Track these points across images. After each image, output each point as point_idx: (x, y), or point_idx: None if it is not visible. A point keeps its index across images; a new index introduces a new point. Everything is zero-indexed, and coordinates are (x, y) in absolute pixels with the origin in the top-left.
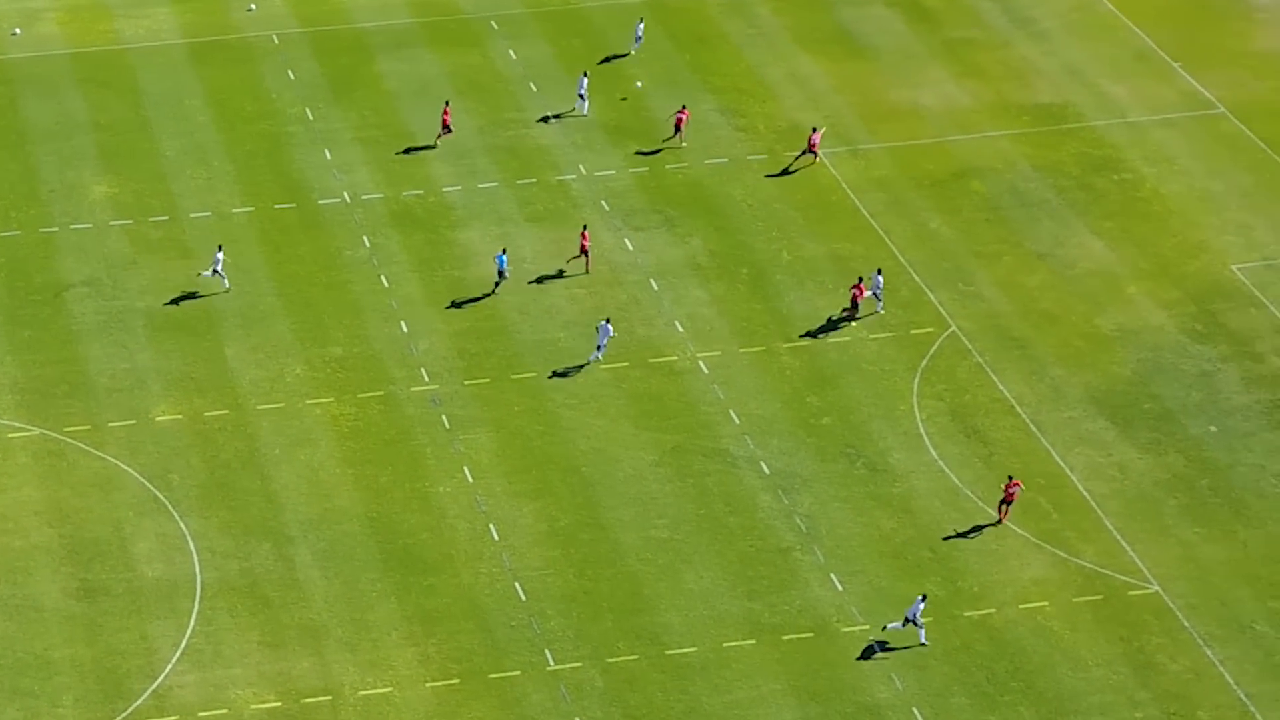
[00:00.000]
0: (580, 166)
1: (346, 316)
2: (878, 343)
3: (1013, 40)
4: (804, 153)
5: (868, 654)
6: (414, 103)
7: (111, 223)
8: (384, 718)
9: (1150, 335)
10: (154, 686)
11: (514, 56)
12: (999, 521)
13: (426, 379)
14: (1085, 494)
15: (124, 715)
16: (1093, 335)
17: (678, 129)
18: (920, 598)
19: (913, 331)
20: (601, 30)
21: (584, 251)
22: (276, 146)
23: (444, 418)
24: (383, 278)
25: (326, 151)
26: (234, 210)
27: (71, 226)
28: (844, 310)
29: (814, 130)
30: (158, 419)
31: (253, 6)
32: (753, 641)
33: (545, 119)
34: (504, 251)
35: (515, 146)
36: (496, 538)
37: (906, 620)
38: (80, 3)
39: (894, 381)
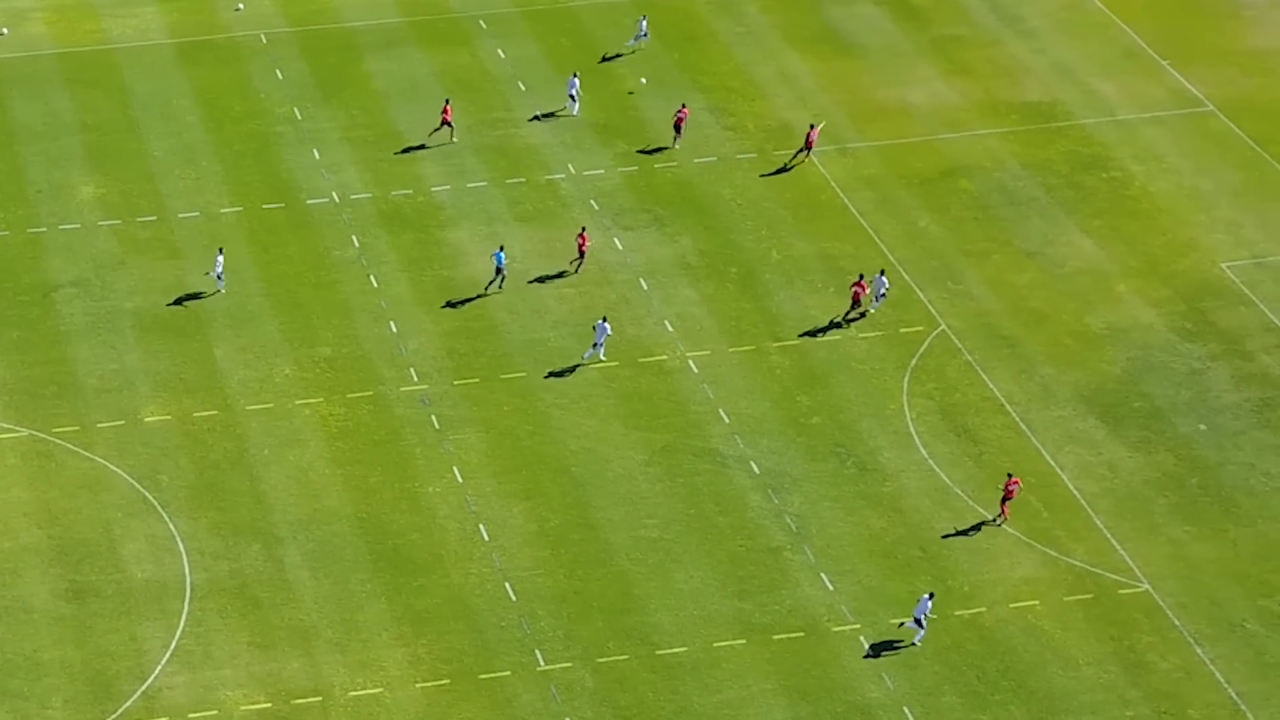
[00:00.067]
0: (569, 166)
1: (335, 316)
2: (867, 342)
3: (1001, 38)
4: (802, 149)
5: (873, 652)
6: (403, 102)
7: (100, 223)
8: (374, 718)
9: (1140, 333)
10: (144, 688)
11: (503, 55)
12: (999, 519)
13: (416, 379)
14: (1075, 493)
15: (114, 717)
16: (1082, 334)
17: (678, 128)
18: (927, 596)
19: (902, 330)
20: (590, 29)
21: (581, 252)
22: (265, 146)
23: (433, 418)
24: (372, 277)
25: (315, 151)
26: (222, 210)
27: (59, 227)
28: (848, 312)
29: (811, 127)
30: (147, 420)
31: (240, 6)
32: (743, 641)
33: (535, 118)
34: (501, 249)
35: (504, 146)
36: (486, 538)
37: (916, 619)
38: (67, 2)
39: (884, 380)
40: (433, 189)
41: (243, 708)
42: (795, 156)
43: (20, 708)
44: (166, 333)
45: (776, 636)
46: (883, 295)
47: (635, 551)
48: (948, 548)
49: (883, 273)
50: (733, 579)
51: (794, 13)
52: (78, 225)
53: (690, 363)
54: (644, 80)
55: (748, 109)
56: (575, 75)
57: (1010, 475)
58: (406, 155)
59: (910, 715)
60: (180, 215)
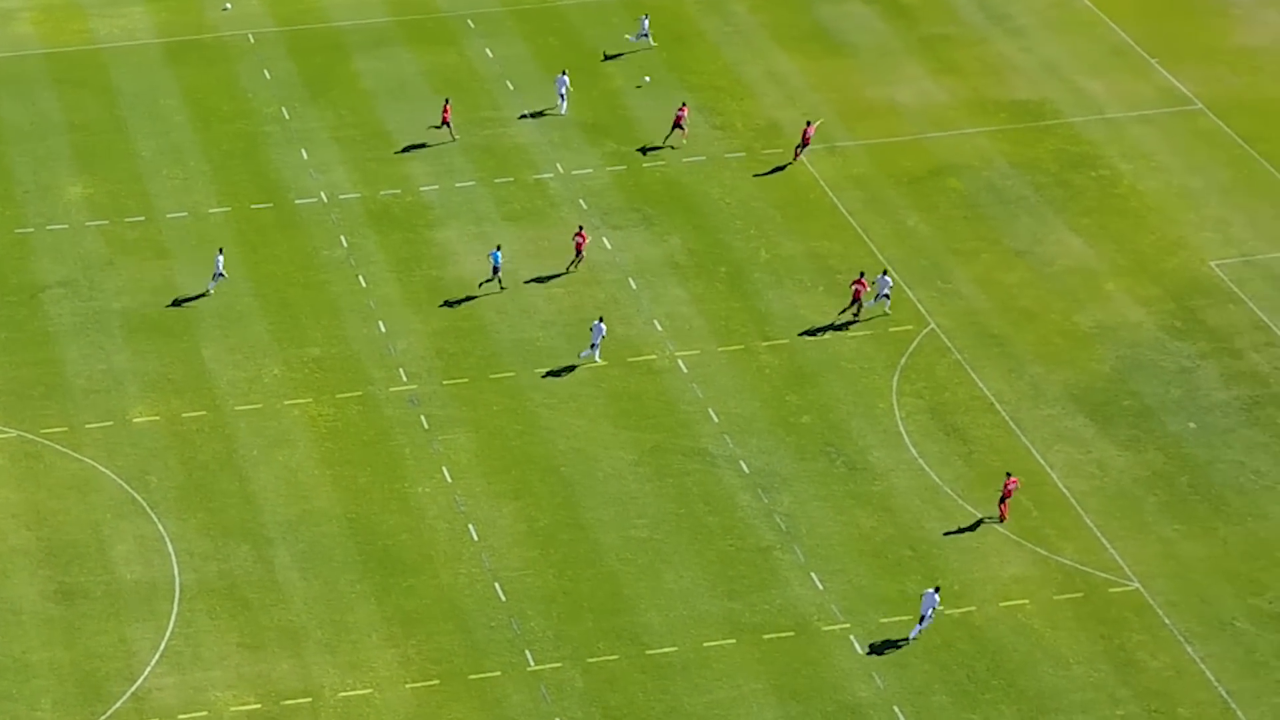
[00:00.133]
0: (558, 165)
1: (324, 317)
2: (856, 341)
3: (989, 37)
4: (801, 147)
5: (866, 651)
6: (391, 102)
7: (87, 223)
8: (364, 719)
9: (1129, 332)
10: (133, 689)
11: (491, 55)
12: (1000, 519)
13: (405, 379)
14: (1065, 491)
15: (103, 718)
16: (1071, 332)
17: (677, 125)
18: (934, 590)
19: (891, 329)
20: (578, 29)
21: (579, 251)
22: (253, 146)
23: (423, 418)
24: (360, 277)
25: (303, 151)
26: (210, 210)
27: (47, 227)
28: (845, 310)
29: (808, 123)
30: (135, 420)
31: (228, 5)
32: (733, 641)
33: (524, 116)
34: (498, 248)
35: (492, 145)
36: (476, 538)
37: (923, 617)
38: (54, 2)
39: (873, 379)
40: (421, 188)
41: (232, 709)
42: (796, 154)
43: (9, 709)
44: (155, 333)
45: (766, 636)
46: (885, 296)
47: (625, 551)
48: (937, 547)
49: (885, 272)
50: (722, 579)
51: (782, 12)
52: (65, 226)
53: (679, 362)
54: (647, 79)
55: (736, 108)
56: (564, 73)
57: (1009, 474)
58: (395, 155)
59: (900, 714)
60: (168, 215)
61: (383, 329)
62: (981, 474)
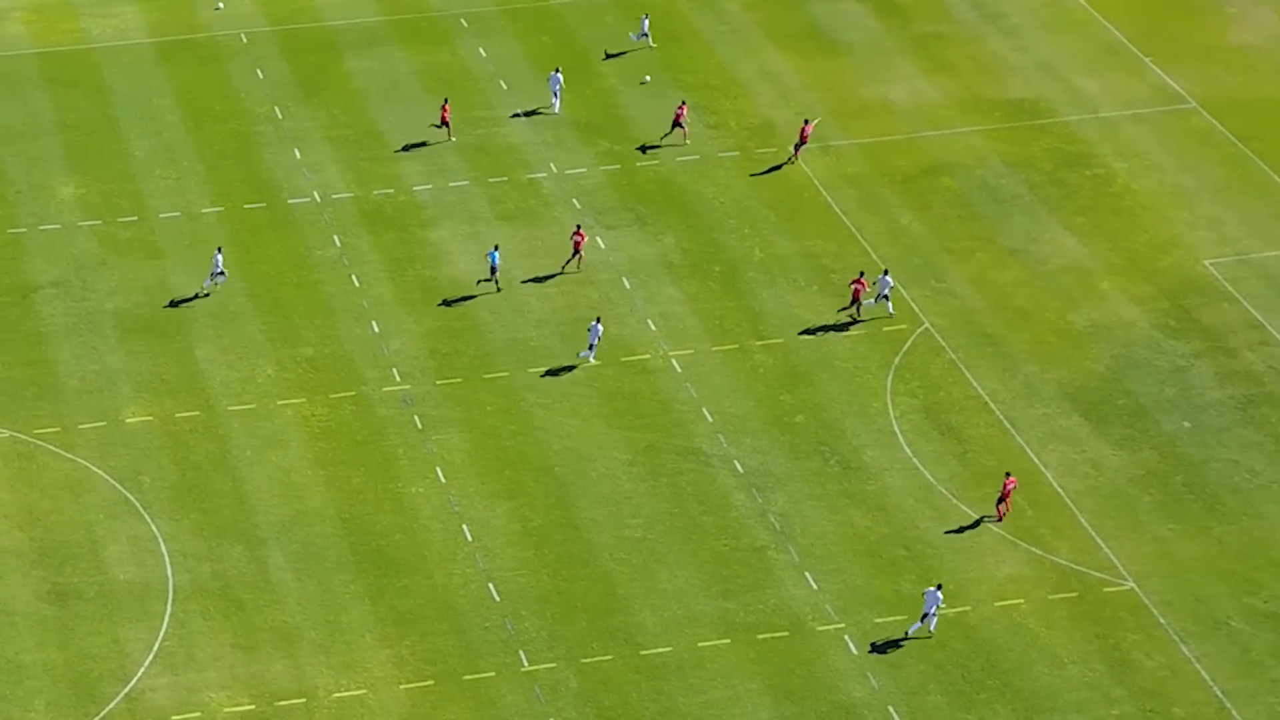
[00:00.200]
0: (551, 164)
1: (318, 316)
2: (850, 340)
3: (983, 35)
4: (799, 145)
5: (872, 650)
6: (384, 101)
7: (80, 223)
8: None
9: (1123, 331)
10: (126, 690)
11: (484, 54)
12: (998, 518)
13: (398, 379)
14: (1060, 491)
15: (96, 719)
16: (1066, 331)
17: (677, 124)
18: (935, 588)
19: (885, 329)
20: (572, 27)
21: (577, 250)
22: (246, 146)
23: (416, 418)
24: (354, 277)
25: (296, 150)
26: (203, 210)
27: (40, 227)
28: (848, 308)
29: (806, 121)
30: (128, 421)
31: (220, 5)
32: (727, 641)
33: (517, 115)
34: (496, 248)
35: (486, 145)
36: (470, 538)
37: (925, 615)
38: (46, 2)
39: (867, 379)
40: (414, 188)
41: (226, 710)
42: (795, 152)
43: (2, 711)
44: (148, 333)
45: (761, 636)
46: (885, 296)
47: (619, 551)
48: (932, 546)
49: (886, 272)
50: (717, 579)
51: (776, 10)
52: (58, 226)
53: (673, 362)
54: (648, 78)
55: (730, 107)
56: (558, 70)
57: (1008, 474)
58: (388, 154)
59: (895, 714)
60: (161, 215)
61: (376, 329)
62: (976, 473)
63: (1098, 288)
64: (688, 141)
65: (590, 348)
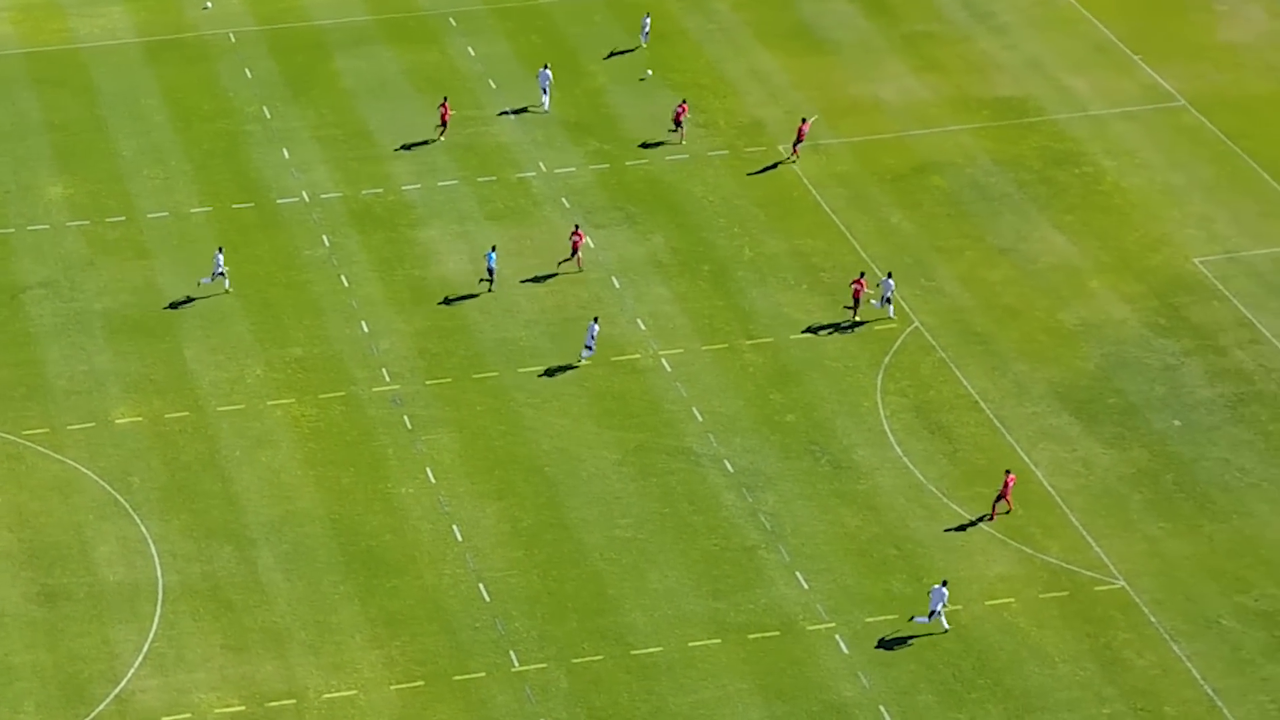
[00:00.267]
0: (540, 164)
1: (307, 317)
2: (840, 339)
3: (972, 34)
4: (796, 143)
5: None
6: (372, 100)
7: (68, 224)
8: None
9: (1113, 329)
10: (116, 691)
11: (473, 53)
12: (991, 516)
13: (388, 379)
14: (1050, 489)
15: None
16: (1056, 330)
17: (678, 123)
18: (941, 584)
19: (875, 328)
20: (561, 26)
21: (575, 250)
22: (234, 145)
23: (406, 418)
24: (343, 277)
25: (284, 150)
26: (192, 210)
27: (28, 228)
28: (853, 308)
29: (803, 120)
30: (117, 421)
31: (208, 4)
32: (718, 641)
33: (505, 113)
34: (494, 249)
35: (474, 144)
36: (460, 539)
37: (932, 612)
38: (33, 1)
39: (857, 378)
40: (403, 188)
41: (216, 711)
42: (794, 150)
43: None
44: (136, 334)
45: (751, 636)
46: (888, 299)
47: (609, 551)
48: (923, 546)
49: (890, 275)
50: (707, 578)
51: (765, 9)
52: (46, 226)
53: (663, 361)
54: (649, 72)
55: (719, 106)
56: (546, 67)
57: (1008, 471)
58: (376, 154)
59: (886, 714)
60: (149, 215)
61: (365, 329)
62: (966, 472)
63: (1087, 286)
64: (682, 141)
65: (588, 348)
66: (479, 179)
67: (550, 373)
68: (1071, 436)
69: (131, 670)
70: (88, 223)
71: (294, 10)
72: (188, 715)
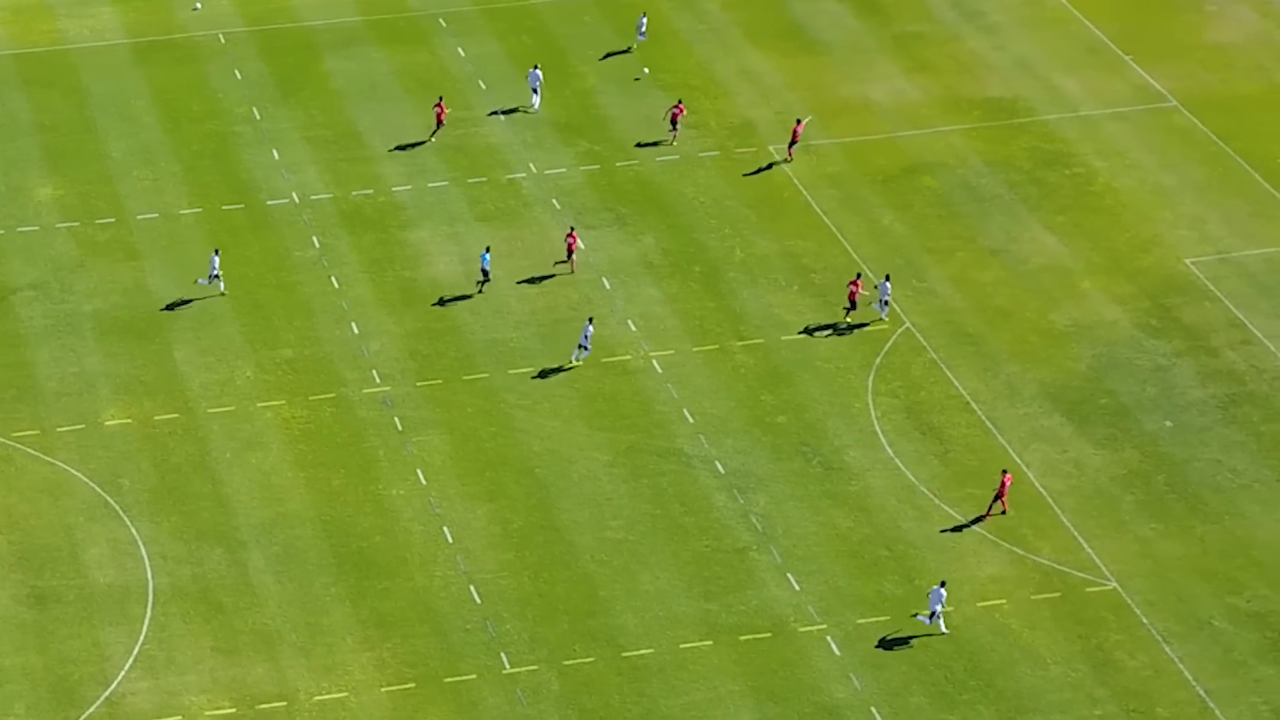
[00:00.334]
0: (531, 165)
1: (297, 318)
2: (831, 340)
3: (962, 34)
4: (791, 144)
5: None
6: (362, 101)
7: (58, 225)
8: None
9: (1105, 330)
10: (107, 694)
11: (463, 54)
12: (985, 516)
13: (378, 380)
14: (1042, 490)
15: None
16: (1047, 331)
17: (674, 124)
18: (940, 585)
19: (867, 329)
20: (551, 27)
21: (570, 253)
22: (224, 147)
23: (396, 420)
24: (333, 278)
25: (274, 151)
26: (182, 211)
27: (17, 229)
28: (845, 309)
29: (798, 121)
30: (107, 423)
31: (198, 5)
32: (709, 642)
33: (495, 113)
34: (488, 250)
35: (465, 145)
36: (451, 540)
37: (932, 614)
38: (23, 3)
39: (848, 379)
40: (393, 189)
41: (207, 713)
42: (789, 152)
43: None
44: (126, 335)
45: (743, 637)
46: (885, 303)
47: (600, 553)
48: (914, 547)
49: (887, 278)
50: (698, 580)
51: (755, 10)
52: (36, 227)
53: (654, 362)
54: (646, 70)
55: (710, 107)
56: (536, 67)
57: (1005, 471)
58: (367, 155)
59: (878, 715)
60: (139, 217)
61: (355, 330)
62: (958, 474)
63: (1079, 287)
64: (673, 143)
65: (584, 348)
66: (469, 180)
67: (541, 374)
68: (1063, 437)
69: (122, 673)
70: (77, 224)
71: (284, 11)
72: (178, 718)
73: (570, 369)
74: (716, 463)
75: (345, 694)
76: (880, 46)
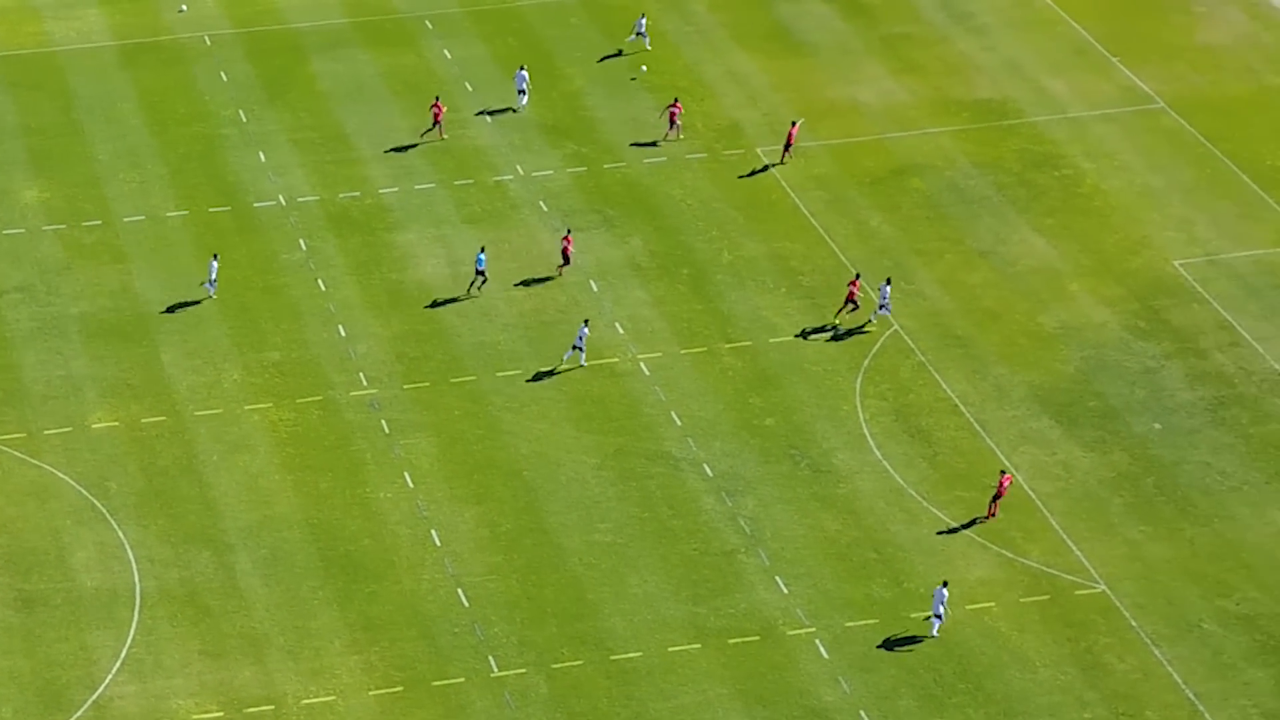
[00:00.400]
0: (518, 167)
1: (284, 321)
2: (819, 342)
3: (950, 36)
4: (786, 147)
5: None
6: (349, 103)
7: (44, 228)
8: None
9: (1093, 332)
10: (94, 697)
11: (449, 56)
12: (991, 514)
13: (365, 383)
14: (1030, 493)
15: None
16: (1035, 333)
17: (672, 123)
18: (942, 585)
19: (855, 331)
20: (537, 29)
21: (566, 257)
22: (210, 149)
23: (383, 422)
24: (320, 281)
25: (261, 153)
26: (168, 214)
27: (3, 232)
28: (844, 309)
29: (793, 124)
30: (94, 426)
31: (184, 8)
32: (698, 646)
33: (481, 113)
34: (483, 250)
35: (452, 147)
36: (438, 544)
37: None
38: (8, 4)
39: (837, 381)
40: (380, 191)
41: (194, 717)
42: (783, 155)
43: None
44: (113, 338)
45: (731, 641)
46: (884, 305)
47: (588, 556)
48: (902, 550)
49: (889, 281)
50: (687, 583)
51: (743, 11)
52: (22, 230)
53: (642, 365)
54: (644, 68)
55: (697, 108)
56: (523, 68)
57: (1003, 471)
58: (353, 157)
59: (867, 719)
60: (125, 219)
61: (343, 333)
62: (946, 476)
63: (1067, 289)
64: (665, 141)
65: (578, 349)
66: (456, 182)
67: (528, 377)
68: (1052, 440)
69: (109, 676)
70: (64, 227)
71: (270, 13)
72: None
73: (560, 372)
74: (705, 465)
75: (333, 697)
76: (868, 48)
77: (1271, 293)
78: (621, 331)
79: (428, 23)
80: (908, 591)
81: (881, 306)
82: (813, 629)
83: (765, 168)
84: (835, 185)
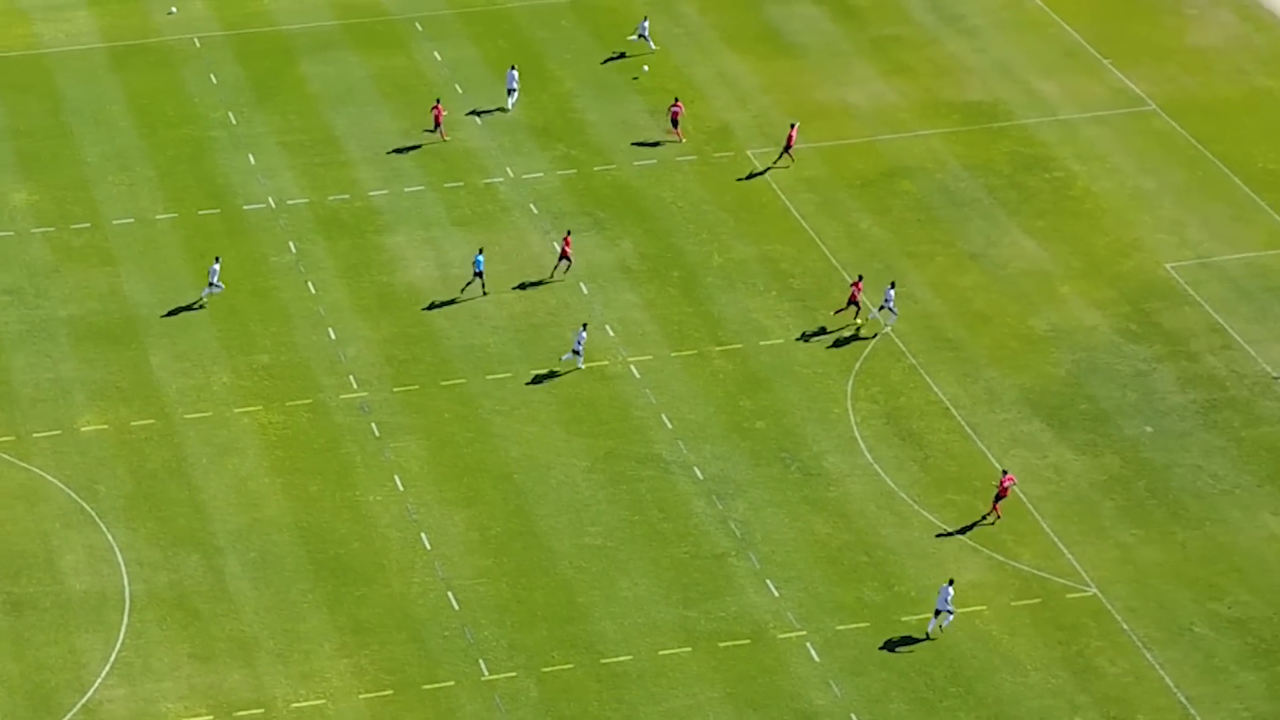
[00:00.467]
0: (508, 169)
1: (273, 323)
2: (810, 345)
3: (941, 37)
4: (785, 149)
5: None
6: (338, 106)
7: (32, 230)
8: None
9: (1084, 335)
10: (83, 701)
11: (439, 58)
12: (989, 516)
13: (355, 386)
14: (1021, 496)
15: None
16: (1026, 336)
17: (674, 123)
18: (948, 584)
19: (846, 334)
20: (527, 31)
21: (566, 258)
22: (199, 151)
23: (373, 425)
24: (309, 284)
25: (250, 156)
26: (157, 216)
27: None
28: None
29: (792, 126)
30: (83, 429)
31: (173, 10)
32: (688, 649)
33: (472, 113)
34: (481, 252)
35: (442, 149)
36: (428, 547)
37: (948, 612)
38: None
39: (827, 384)
40: (370, 193)
41: None
42: (779, 158)
43: None
44: (102, 341)
45: (722, 644)
46: (884, 308)
47: (578, 559)
48: (894, 553)
49: (893, 284)
50: (677, 586)
51: (732, 13)
52: (10, 233)
53: (632, 368)
54: (646, 68)
55: (687, 111)
56: (513, 68)
57: (1005, 472)
58: (343, 159)
59: None
60: (114, 222)
61: (332, 335)
62: (937, 479)
63: (1058, 292)
64: (668, 141)
65: (576, 353)
66: (446, 184)
67: (518, 380)
68: (1043, 443)
69: (98, 680)
70: (52, 229)
71: (259, 15)
72: None
73: (550, 375)
74: (695, 468)
75: (323, 701)
76: (858, 50)
77: (1263, 295)
78: (612, 334)
79: (418, 25)
80: (899, 595)
81: (882, 307)
82: (803, 632)
83: (767, 169)
84: (825, 188)
